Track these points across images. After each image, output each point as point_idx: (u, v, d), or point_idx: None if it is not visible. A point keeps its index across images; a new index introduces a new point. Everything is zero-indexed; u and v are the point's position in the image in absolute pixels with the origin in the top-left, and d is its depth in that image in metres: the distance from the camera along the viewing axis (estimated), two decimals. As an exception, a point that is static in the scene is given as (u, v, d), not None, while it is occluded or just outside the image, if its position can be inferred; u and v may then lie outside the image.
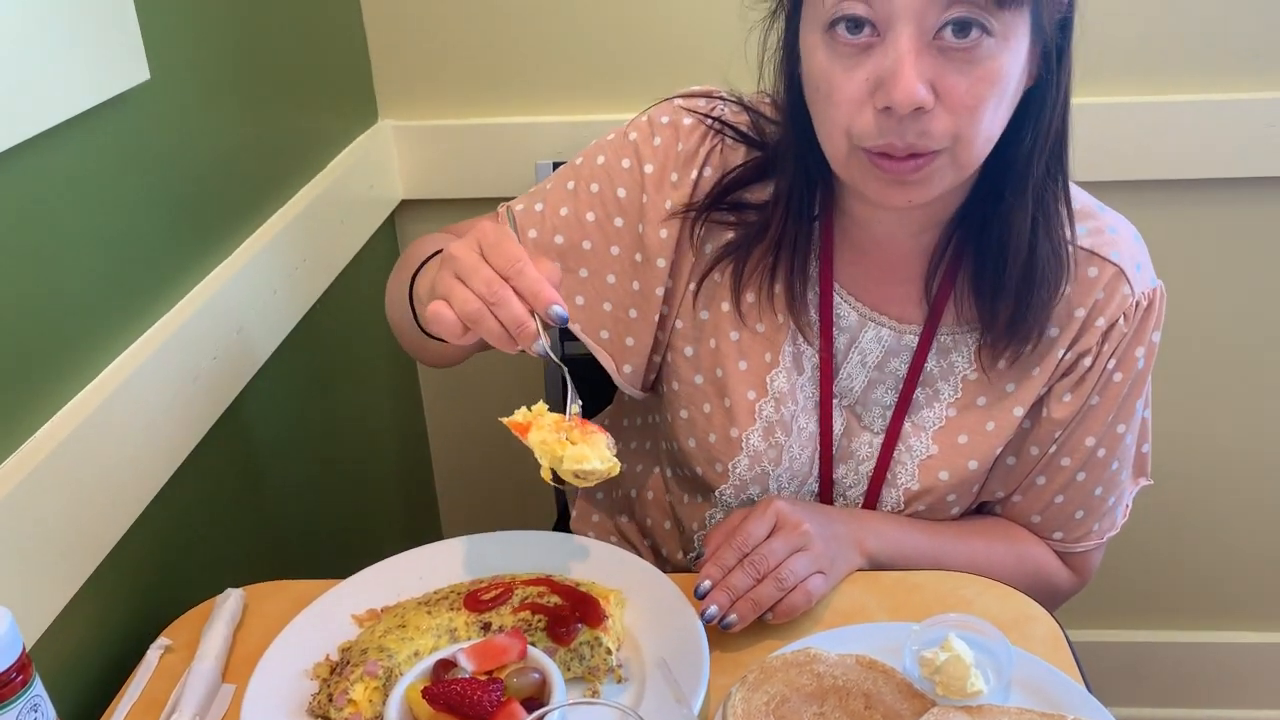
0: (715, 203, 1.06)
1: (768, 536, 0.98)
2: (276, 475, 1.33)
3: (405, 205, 1.69)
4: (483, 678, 0.84)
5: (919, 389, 1.08)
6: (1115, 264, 1.03)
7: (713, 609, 0.94)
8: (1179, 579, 1.91)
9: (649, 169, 1.07)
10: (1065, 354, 1.04)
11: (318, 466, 1.45)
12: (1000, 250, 0.98)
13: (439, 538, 1.10)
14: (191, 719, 0.91)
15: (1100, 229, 1.04)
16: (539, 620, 0.94)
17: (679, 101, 1.10)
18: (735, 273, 1.07)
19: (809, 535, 0.98)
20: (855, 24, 0.87)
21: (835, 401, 1.10)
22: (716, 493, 1.12)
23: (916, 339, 1.07)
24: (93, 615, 0.97)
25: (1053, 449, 1.07)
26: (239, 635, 1.01)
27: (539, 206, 1.10)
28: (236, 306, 1.19)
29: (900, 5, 0.85)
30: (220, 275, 1.17)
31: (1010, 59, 0.88)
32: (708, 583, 0.96)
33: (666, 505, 1.22)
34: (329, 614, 1.00)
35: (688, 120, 1.08)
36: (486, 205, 1.60)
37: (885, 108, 0.87)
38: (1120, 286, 1.03)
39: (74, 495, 0.93)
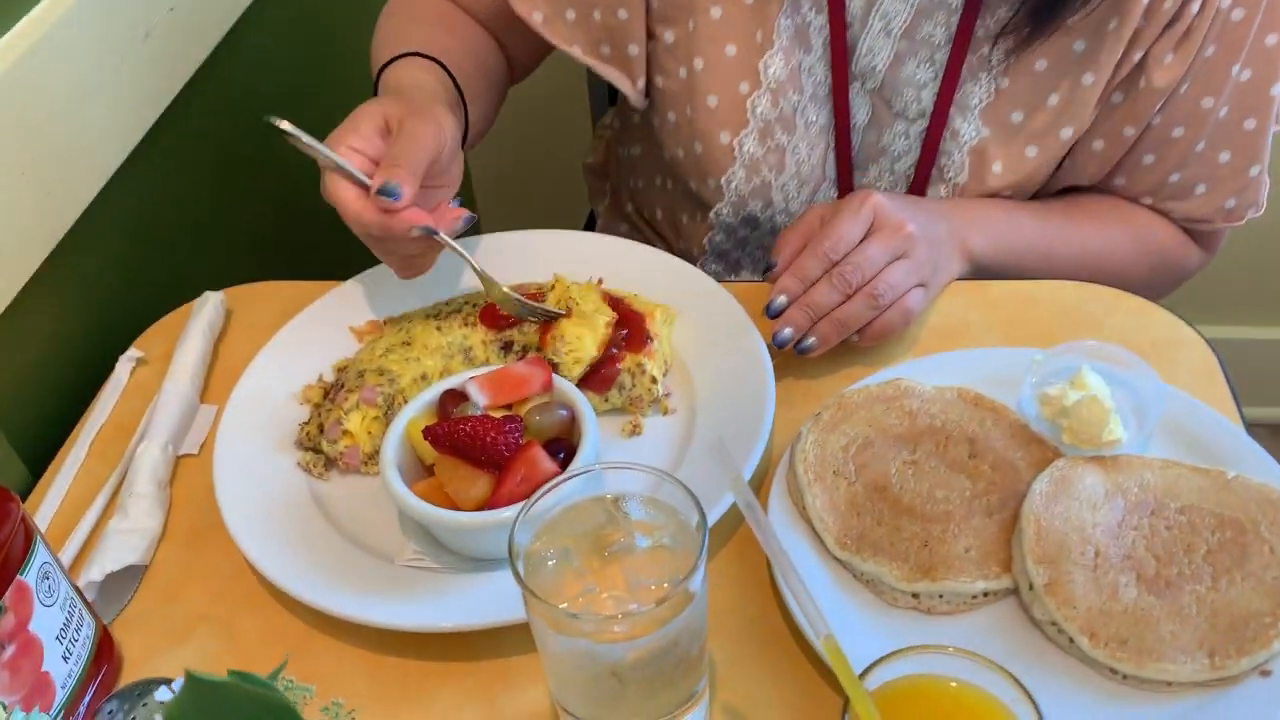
0: None
1: (862, 240, 0.79)
2: (262, 155, 1.15)
3: None
4: (498, 415, 0.69)
5: (967, 57, 0.86)
6: None
7: (787, 331, 0.78)
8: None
9: None
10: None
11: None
12: None
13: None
14: (164, 447, 0.79)
15: None
16: (570, 340, 0.79)
17: None
18: None
19: (913, 239, 0.79)
20: None
21: (856, 85, 0.91)
22: (713, 213, 0.98)
23: None
24: (45, 322, 0.85)
25: (1157, 120, 0.88)
26: (219, 348, 0.90)
27: None
28: (195, -56, 0.97)
29: None
30: (168, -99, 0.94)
31: None
32: (783, 298, 0.78)
33: (672, 223, 1.06)
34: (323, 325, 0.87)
35: None
36: None
37: None
38: None
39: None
